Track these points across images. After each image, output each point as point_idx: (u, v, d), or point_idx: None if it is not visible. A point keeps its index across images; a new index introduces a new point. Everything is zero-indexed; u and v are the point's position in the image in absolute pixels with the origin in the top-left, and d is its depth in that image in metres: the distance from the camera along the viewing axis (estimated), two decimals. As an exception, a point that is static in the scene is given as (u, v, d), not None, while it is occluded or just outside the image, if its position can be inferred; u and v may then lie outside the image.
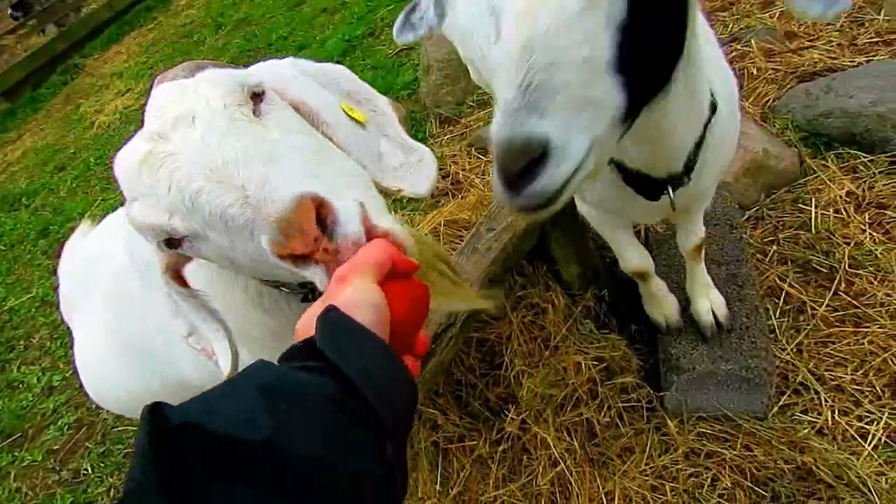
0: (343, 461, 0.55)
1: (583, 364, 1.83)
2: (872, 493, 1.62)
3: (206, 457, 0.50)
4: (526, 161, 0.71)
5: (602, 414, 1.86)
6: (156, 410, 0.52)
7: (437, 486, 1.84)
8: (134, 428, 2.92)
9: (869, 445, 1.72)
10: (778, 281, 2.13)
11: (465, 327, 1.67)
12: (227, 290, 1.34)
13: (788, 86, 2.62)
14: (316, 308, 0.70)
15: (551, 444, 1.81)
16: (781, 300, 2.08)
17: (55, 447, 3.06)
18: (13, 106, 6.90)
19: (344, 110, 1.12)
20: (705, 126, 1.15)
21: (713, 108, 1.16)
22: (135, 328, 1.61)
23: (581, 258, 1.93)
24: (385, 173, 1.14)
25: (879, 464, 1.69)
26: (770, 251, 2.22)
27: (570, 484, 1.80)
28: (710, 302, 1.82)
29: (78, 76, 7.30)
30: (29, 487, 2.95)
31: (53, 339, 3.70)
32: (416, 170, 1.17)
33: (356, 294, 0.68)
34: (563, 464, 1.81)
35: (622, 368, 1.87)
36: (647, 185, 1.22)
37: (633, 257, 1.72)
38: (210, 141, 0.87)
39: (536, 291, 1.91)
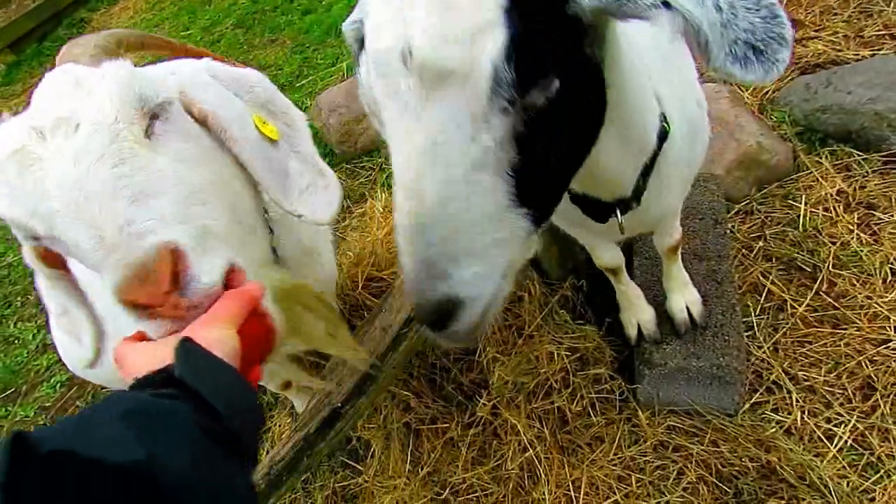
0: (217, 483, 0.57)
1: (556, 353, 1.84)
2: (832, 496, 1.64)
3: (80, 484, 0.50)
4: (439, 316, 0.74)
5: (574, 403, 1.88)
6: (18, 440, 0.50)
7: (408, 466, 1.88)
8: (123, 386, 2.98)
9: (834, 448, 1.74)
10: (761, 278, 2.12)
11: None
12: None
13: (789, 77, 2.56)
14: (157, 346, 0.72)
15: (521, 430, 1.84)
16: (763, 297, 2.08)
17: (47, 404, 3.13)
18: (18, 59, 6.87)
19: (255, 124, 1.07)
20: (654, 154, 1.11)
21: (663, 134, 1.11)
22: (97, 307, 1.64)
23: (560, 248, 1.92)
24: (289, 194, 1.10)
25: (843, 466, 1.71)
26: (756, 247, 2.20)
27: (539, 470, 1.83)
28: (685, 299, 1.82)
29: (83, 30, 7.23)
30: (21, 442, 3.03)
31: (49, 297, 3.74)
32: (322, 195, 1.13)
33: (213, 333, 0.72)
34: (532, 450, 1.84)
35: (596, 359, 1.88)
36: (593, 207, 1.19)
37: (603, 254, 1.71)
38: (83, 163, 0.82)
39: (514, 280, 1.92)
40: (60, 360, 3.26)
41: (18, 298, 3.86)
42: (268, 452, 2.34)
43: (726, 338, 1.81)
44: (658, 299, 1.92)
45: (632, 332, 1.88)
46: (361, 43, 0.79)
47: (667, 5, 0.68)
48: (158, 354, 0.69)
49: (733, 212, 2.31)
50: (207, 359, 0.67)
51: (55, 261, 1.07)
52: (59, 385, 3.20)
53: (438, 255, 0.72)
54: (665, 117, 1.11)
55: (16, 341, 3.58)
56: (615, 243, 1.70)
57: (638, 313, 1.87)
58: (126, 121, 0.87)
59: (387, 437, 1.92)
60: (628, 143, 1.03)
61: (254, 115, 1.09)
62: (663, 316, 1.88)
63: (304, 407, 2.08)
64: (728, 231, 2.08)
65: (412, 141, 0.70)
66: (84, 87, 0.88)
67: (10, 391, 3.30)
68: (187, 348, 0.67)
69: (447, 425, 1.90)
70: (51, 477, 0.49)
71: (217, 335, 0.72)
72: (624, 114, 0.95)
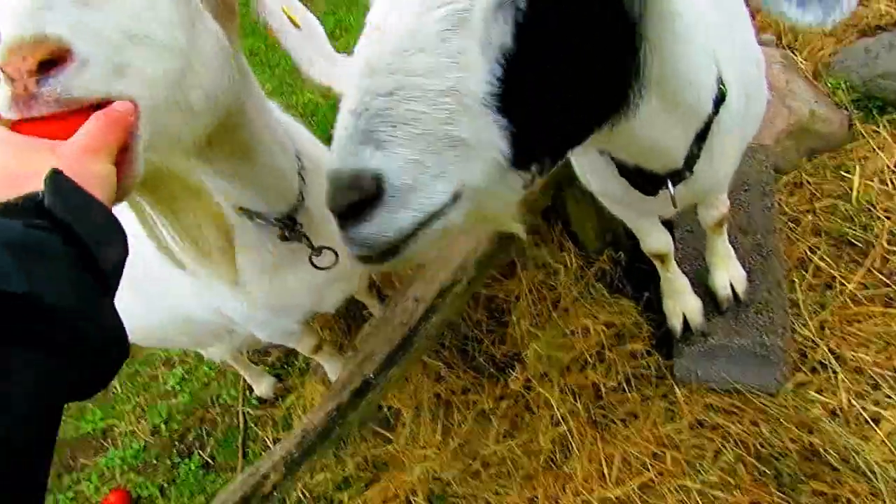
0: (86, 315, 0.59)
1: (591, 328, 1.79)
2: (877, 480, 1.58)
3: None
4: (354, 199, 0.60)
5: (608, 378, 1.84)
6: None
7: (438, 436, 1.87)
8: (160, 352, 3.04)
9: (882, 431, 1.67)
10: (808, 253, 2.03)
11: (473, 284, 1.65)
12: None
13: (847, 40, 2.42)
14: (17, 161, 0.70)
15: (554, 404, 1.81)
16: (810, 273, 1.99)
17: (128, 342, 3.21)
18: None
19: (283, 10, 1.19)
20: (708, 121, 1.04)
21: (720, 98, 1.03)
22: (141, 268, 1.65)
23: (599, 219, 1.86)
24: (305, 64, 1.22)
25: (890, 450, 1.64)
26: (804, 220, 2.10)
27: (571, 445, 1.81)
28: (728, 275, 1.75)
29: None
30: (63, 400, 3.13)
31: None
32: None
33: (95, 168, 0.71)
34: (565, 424, 1.82)
35: (632, 334, 1.83)
36: (642, 179, 1.12)
37: (651, 238, 1.64)
38: None
39: (549, 250, 1.87)
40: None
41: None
42: (300, 418, 2.37)
43: (771, 315, 1.74)
44: (699, 274, 1.85)
45: (676, 324, 1.80)
46: None
47: None
48: (22, 174, 0.67)
49: (780, 183, 2.20)
50: (79, 194, 0.66)
51: None
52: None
53: (380, 115, 0.59)
54: (722, 80, 1.04)
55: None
56: (662, 224, 1.63)
57: (684, 303, 1.79)
58: None
59: (417, 407, 1.92)
60: (680, 107, 0.96)
61: (282, 6, 1.20)
62: (704, 290, 1.81)
63: (333, 370, 2.09)
64: (775, 204, 1.99)
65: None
66: None
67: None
68: (58, 181, 0.66)
69: (478, 397, 1.88)
70: None
71: (98, 170, 0.71)
72: (676, 76, 0.89)
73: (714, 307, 1.79)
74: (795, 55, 2.47)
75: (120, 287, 1.79)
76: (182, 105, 0.89)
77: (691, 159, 1.08)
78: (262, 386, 2.59)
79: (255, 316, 1.60)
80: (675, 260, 1.78)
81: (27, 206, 0.62)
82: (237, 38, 1.13)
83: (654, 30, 0.77)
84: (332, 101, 3.84)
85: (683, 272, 1.80)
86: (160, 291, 1.67)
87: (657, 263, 1.75)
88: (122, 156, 0.77)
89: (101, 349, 0.62)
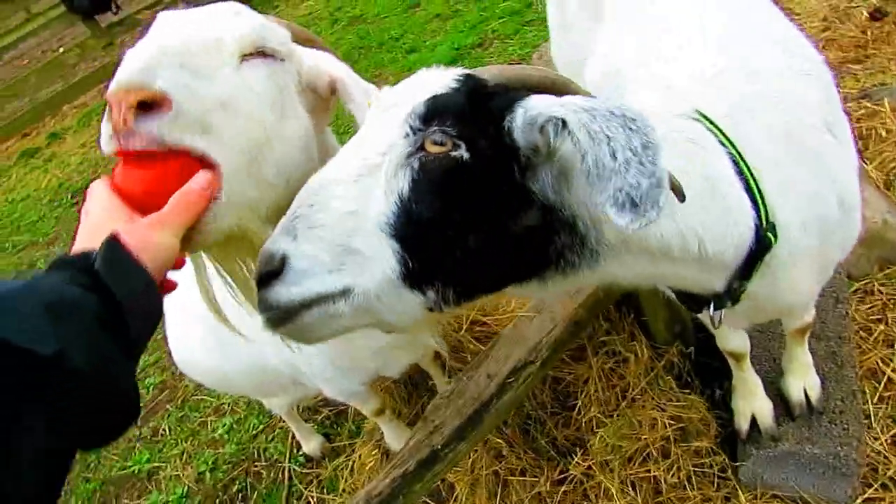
0: (106, 378, 0.64)
1: (659, 421, 1.78)
2: None
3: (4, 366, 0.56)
4: (265, 270, 0.80)
5: (671, 474, 1.81)
6: None
7: (494, 516, 1.85)
8: (211, 398, 3.10)
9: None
10: (880, 364, 2.00)
11: (546, 365, 1.67)
12: None
13: (920, 153, 2.44)
14: (109, 221, 0.80)
15: (614, 494, 1.78)
16: (882, 385, 1.95)
17: (140, 404, 3.28)
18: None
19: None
20: (753, 258, 1.03)
21: (761, 244, 1.02)
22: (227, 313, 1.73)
23: (671, 312, 1.88)
24: None
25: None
26: (876, 330, 2.08)
27: (628, 538, 1.77)
28: (804, 382, 1.73)
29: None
30: (112, 438, 3.18)
31: (150, 301, 3.94)
32: None
33: (157, 237, 0.78)
34: (623, 517, 1.78)
35: (699, 431, 1.81)
36: (686, 296, 1.15)
37: (729, 336, 1.65)
38: (182, 26, 0.99)
39: (620, 339, 1.89)
40: (158, 362, 3.43)
41: (122, 299, 4.09)
42: (346, 480, 2.37)
43: (845, 426, 1.70)
44: (769, 376, 1.84)
45: (743, 425, 1.77)
46: None
47: (564, 124, 0.76)
48: (98, 234, 0.75)
49: (851, 290, 2.19)
50: (128, 263, 0.73)
51: None
52: (152, 386, 3.36)
53: (301, 215, 0.81)
54: (769, 222, 1.02)
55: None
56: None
57: (755, 404, 1.76)
58: (235, 37, 0.99)
59: (473, 483, 1.91)
60: (674, 260, 0.98)
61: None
62: (775, 393, 1.79)
63: (393, 436, 2.10)
64: (849, 312, 1.98)
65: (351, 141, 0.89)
66: (217, 15, 1.03)
67: (106, 387, 3.48)
68: (112, 246, 0.73)
69: (536, 479, 1.87)
70: None
71: (159, 240, 0.78)
72: (646, 246, 0.94)
73: (785, 412, 1.76)
74: (866, 164, 2.50)
75: (206, 329, 1.88)
76: (256, 175, 1.00)
77: (734, 291, 1.08)
78: (312, 444, 2.60)
79: (324, 372, 1.65)
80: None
81: (80, 263, 0.71)
82: (325, 127, 1.26)
83: (589, 212, 0.88)
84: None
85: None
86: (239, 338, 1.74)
87: (731, 361, 1.75)
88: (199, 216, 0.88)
89: (114, 410, 0.68)
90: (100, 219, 0.83)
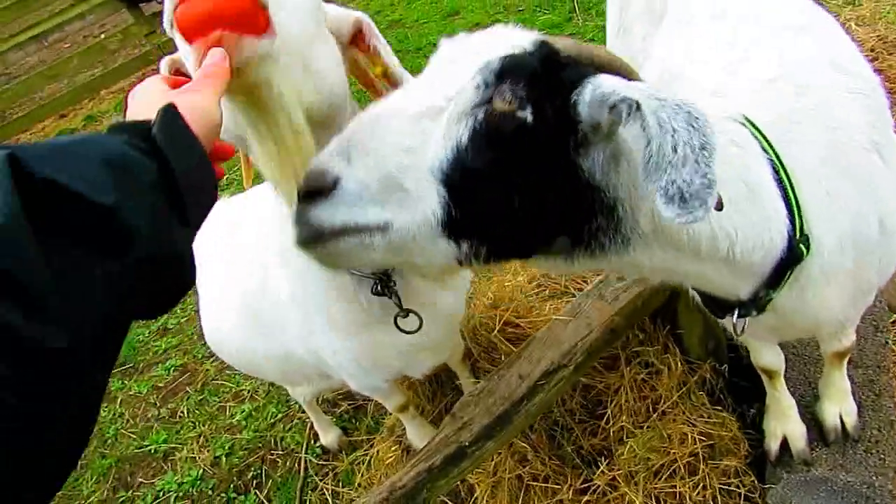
0: (169, 239, 0.64)
1: (689, 436, 1.76)
2: None
3: (65, 212, 0.55)
4: (314, 185, 0.80)
5: (696, 491, 1.77)
6: (14, 161, 0.55)
7: (513, 521, 1.83)
8: (231, 384, 3.11)
9: None
10: (919, 397, 1.96)
11: (578, 370, 1.66)
12: (316, 278, 1.45)
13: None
14: (159, 96, 0.79)
15: (637, 508, 1.75)
16: (919, 418, 1.91)
17: (160, 385, 3.31)
18: (179, 65, 7.51)
19: None
20: (782, 267, 1.03)
21: (792, 255, 1.02)
22: (259, 298, 1.75)
23: (706, 327, 1.86)
24: None
25: None
26: (915, 362, 2.04)
27: (648, 554, 1.74)
28: (840, 408, 1.70)
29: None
30: (131, 415, 3.21)
31: (176, 284, 3.98)
32: None
33: (201, 103, 0.77)
34: (645, 531, 1.75)
35: (729, 450, 1.78)
36: (708, 298, 1.14)
37: (763, 351, 1.63)
38: None
39: (654, 351, 1.87)
40: (180, 345, 3.46)
41: (148, 281, 4.14)
42: (363, 475, 2.37)
43: (882, 456, 1.67)
44: (803, 401, 1.81)
45: (773, 446, 1.75)
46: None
47: (638, 107, 0.76)
48: (153, 108, 0.73)
49: (890, 321, 2.15)
50: (184, 132, 0.72)
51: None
52: (172, 368, 3.38)
53: (354, 147, 0.81)
54: (804, 234, 1.02)
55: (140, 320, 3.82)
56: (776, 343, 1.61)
57: (787, 426, 1.73)
58: None
59: (494, 486, 1.89)
60: (703, 259, 0.97)
61: None
62: (809, 417, 1.76)
63: (415, 433, 2.10)
64: (889, 341, 1.94)
65: (416, 83, 0.89)
66: None
67: (128, 366, 3.52)
68: (169, 115, 0.71)
69: (559, 486, 1.85)
70: (43, 201, 0.55)
71: (204, 104, 0.77)
72: (677, 239, 0.94)
73: (819, 437, 1.73)
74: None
75: (240, 311, 1.89)
76: (306, 60, 1.03)
77: (759, 300, 1.07)
78: (330, 436, 2.60)
79: (348, 367, 1.65)
80: (782, 380, 1.75)
81: (138, 129, 0.70)
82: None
83: (631, 197, 0.89)
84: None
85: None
86: (271, 323, 1.75)
87: (765, 379, 1.72)
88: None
89: (168, 276, 0.67)
90: (151, 95, 0.83)
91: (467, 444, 1.58)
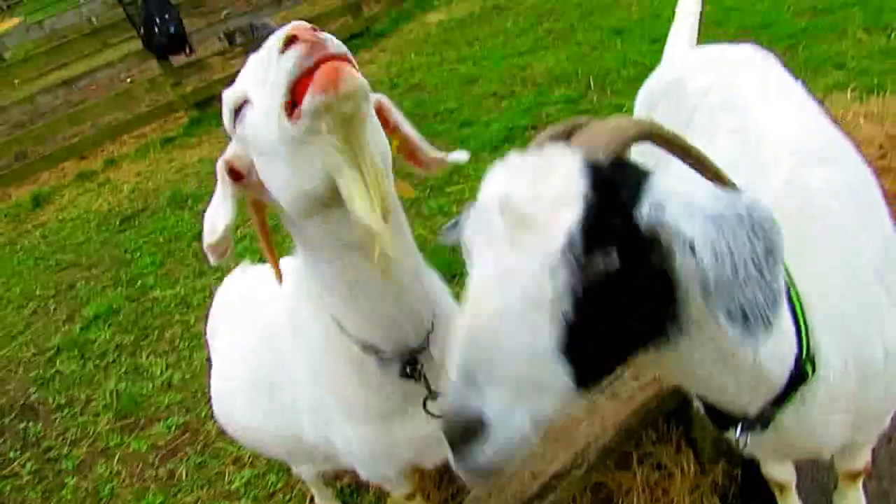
0: None
1: (702, 544, 1.73)
2: None
3: None
4: (462, 432, 0.78)
5: None
6: None
7: None
8: (232, 448, 3.07)
9: None
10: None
11: (591, 471, 1.65)
12: (334, 362, 1.44)
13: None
14: None
15: None
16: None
17: (160, 443, 3.27)
18: (201, 116, 7.73)
19: None
20: (789, 385, 1.04)
21: (799, 374, 1.03)
22: (274, 377, 1.76)
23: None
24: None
25: None
26: (927, 473, 2.01)
27: None
28: None
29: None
30: (128, 474, 3.17)
31: (183, 338, 4.00)
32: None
33: None
34: None
35: (742, 559, 1.75)
36: (715, 412, 1.14)
37: (773, 464, 1.62)
38: None
39: (667, 451, 1.85)
40: (183, 401, 3.43)
41: (156, 332, 4.15)
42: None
43: (898, 576, 1.63)
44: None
45: None
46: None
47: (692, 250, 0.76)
48: None
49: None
50: None
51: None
52: (174, 427, 3.35)
53: (479, 372, 0.77)
54: (810, 353, 1.03)
55: (144, 373, 3.82)
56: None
57: None
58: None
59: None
60: (719, 364, 0.99)
61: None
62: (823, 530, 1.73)
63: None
64: (900, 451, 1.92)
65: (489, 265, 0.83)
66: None
67: (128, 420, 3.49)
68: None
69: (565, 587, 1.80)
70: None
71: None
72: (702, 342, 0.95)
73: (833, 553, 1.70)
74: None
75: (251, 388, 1.90)
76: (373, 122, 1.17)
77: (765, 418, 1.07)
78: None
79: (360, 456, 1.63)
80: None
81: None
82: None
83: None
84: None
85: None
86: (283, 404, 1.75)
87: (776, 491, 1.70)
88: None
89: None
90: None
91: (476, 541, 1.56)
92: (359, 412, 1.50)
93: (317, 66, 1.00)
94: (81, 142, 7.80)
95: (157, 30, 6.94)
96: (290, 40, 1.01)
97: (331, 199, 1.15)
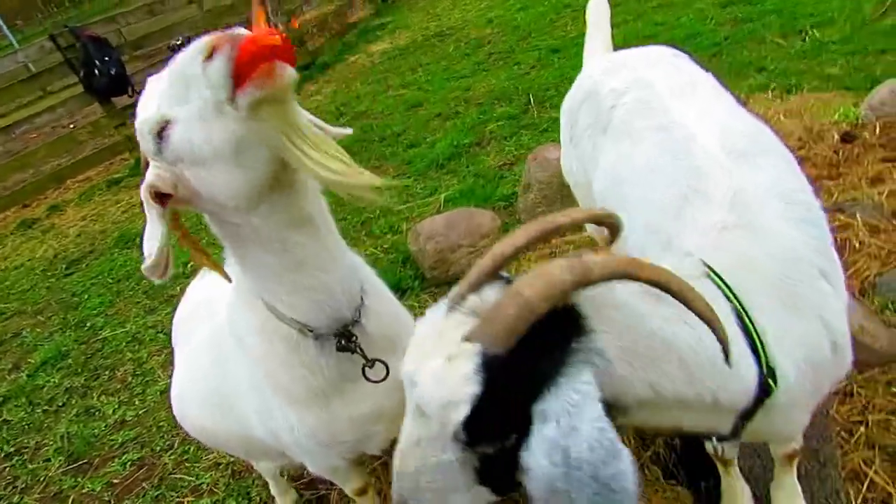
0: None
1: (645, 513, 1.79)
2: None
3: None
4: None
5: (657, 569, 1.79)
6: None
7: None
8: (189, 477, 3.02)
9: None
10: (862, 465, 2.03)
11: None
12: (272, 350, 1.48)
13: (892, 264, 2.59)
14: None
15: (601, 590, 1.74)
16: (864, 487, 1.97)
17: (115, 481, 3.19)
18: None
19: None
20: (756, 403, 1.10)
21: (766, 389, 1.09)
22: (223, 382, 1.80)
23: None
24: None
25: None
26: (857, 432, 2.12)
27: None
28: None
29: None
30: (83, 516, 3.07)
31: (136, 375, 3.93)
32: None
33: None
34: None
35: (685, 525, 1.81)
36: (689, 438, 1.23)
37: (720, 447, 1.67)
38: None
39: (608, 428, 1.91)
40: (138, 437, 3.36)
41: (107, 372, 4.06)
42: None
43: (830, 526, 1.72)
44: (753, 472, 1.86)
45: None
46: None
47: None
48: None
49: (831, 391, 2.25)
50: None
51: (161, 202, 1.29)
52: (129, 463, 3.27)
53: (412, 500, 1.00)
54: (770, 368, 1.09)
55: (96, 413, 3.73)
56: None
57: None
58: None
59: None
60: (694, 418, 1.08)
61: None
62: (763, 492, 1.81)
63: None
64: (830, 412, 2.03)
65: (407, 426, 1.01)
66: None
67: (82, 462, 3.40)
68: None
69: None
70: None
71: None
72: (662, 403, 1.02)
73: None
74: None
75: (204, 393, 1.94)
76: None
77: (736, 430, 1.14)
78: (286, 501, 2.60)
79: (305, 445, 1.66)
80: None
81: None
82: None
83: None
84: (391, 257, 4.11)
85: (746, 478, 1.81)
86: (232, 407, 1.79)
87: (719, 466, 1.77)
88: None
89: None
90: None
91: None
92: (298, 395, 1.53)
93: (248, 58, 1.04)
94: (23, 190, 7.62)
95: (97, 72, 6.89)
96: (212, 49, 1.05)
97: (276, 183, 1.21)
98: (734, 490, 1.76)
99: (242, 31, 1.07)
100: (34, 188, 7.64)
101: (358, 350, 1.45)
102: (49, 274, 5.79)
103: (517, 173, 4.47)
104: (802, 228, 1.25)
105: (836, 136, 3.53)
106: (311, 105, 8.05)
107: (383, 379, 1.49)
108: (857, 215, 2.83)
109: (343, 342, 1.43)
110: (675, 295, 0.92)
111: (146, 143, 1.17)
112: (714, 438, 1.18)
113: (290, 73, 1.07)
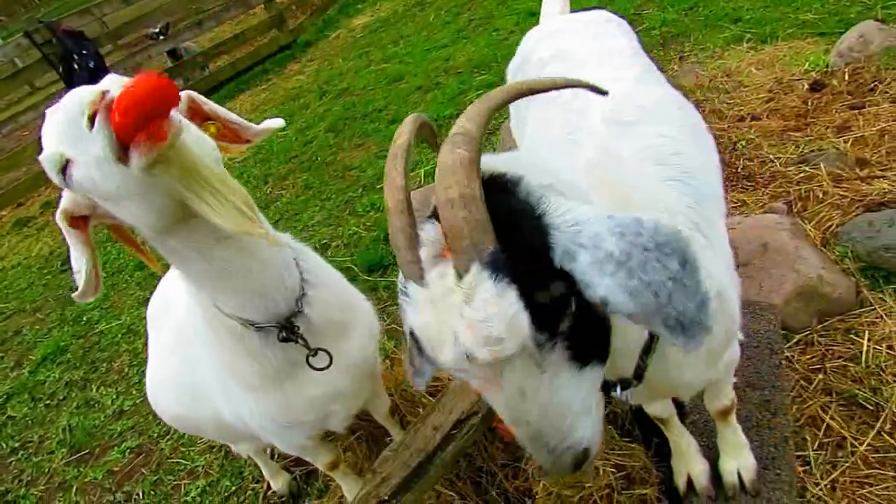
0: None
1: (602, 469, 1.85)
2: None
3: None
4: (577, 464, 0.97)
5: (616, 522, 1.86)
6: None
7: (447, 569, 1.89)
8: (185, 461, 3.13)
9: None
10: (820, 412, 2.09)
11: (487, 418, 1.76)
12: (222, 341, 1.55)
13: (853, 213, 2.60)
14: None
15: (563, 544, 1.83)
16: (822, 432, 2.04)
17: (115, 468, 3.31)
18: (136, 147, 7.67)
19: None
20: (651, 338, 1.15)
21: None
22: (189, 370, 1.87)
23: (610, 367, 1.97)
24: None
25: None
26: (815, 379, 2.18)
27: (577, 589, 1.80)
28: (737, 463, 1.77)
29: (194, 125, 8.06)
30: (86, 503, 3.20)
31: (132, 365, 4.03)
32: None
33: None
34: (572, 566, 1.82)
35: (642, 479, 1.88)
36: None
37: (651, 406, 1.73)
38: None
39: (564, 391, 1.97)
40: (135, 426, 3.47)
41: (104, 364, 4.17)
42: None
43: (778, 471, 1.78)
44: (708, 441, 1.90)
45: (680, 483, 1.83)
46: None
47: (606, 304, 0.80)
48: None
49: (793, 342, 2.30)
50: None
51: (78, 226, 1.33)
52: (128, 451, 3.39)
53: (560, 440, 0.90)
54: None
55: (95, 405, 3.84)
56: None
57: (689, 465, 1.82)
58: None
59: (428, 537, 1.95)
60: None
61: None
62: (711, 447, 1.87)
63: (350, 490, 2.16)
64: (784, 361, 2.08)
65: (503, 393, 0.88)
66: None
67: (83, 452, 3.52)
68: None
69: (489, 531, 1.92)
70: None
71: None
72: None
73: (719, 494, 1.80)
74: (805, 223, 2.66)
75: (175, 383, 2.04)
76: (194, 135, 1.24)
77: (640, 370, 1.19)
78: (279, 482, 2.68)
79: (267, 426, 1.73)
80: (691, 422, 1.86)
81: None
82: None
83: None
84: (374, 234, 4.15)
85: (694, 434, 1.86)
86: (200, 396, 1.86)
87: (661, 425, 1.82)
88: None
89: None
90: None
91: (386, 497, 1.66)
92: (253, 382, 1.60)
93: (128, 120, 1.03)
94: (17, 189, 7.68)
95: (76, 66, 6.88)
96: (92, 114, 1.05)
97: (187, 214, 1.23)
98: (679, 445, 1.81)
99: (120, 81, 1.07)
100: (28, 186, 7.69)
101: (300, 340, 1.50)
102: (45, 271, 5.88)
103: (495, 143, 4.47)
104: (673, 186, 1.28)
105: (806, 86, 3.51)
106: (295, 84, 8.03)
107: (327, 366, 1.54)
108: (822, 166, 2.83)
109: (285, 333, 1.48)
110: (534, 90, 0.98)
111: (52, 177, 1.17)
112: (619, 387, 1.22)
113: (175, 128, 1.05)
